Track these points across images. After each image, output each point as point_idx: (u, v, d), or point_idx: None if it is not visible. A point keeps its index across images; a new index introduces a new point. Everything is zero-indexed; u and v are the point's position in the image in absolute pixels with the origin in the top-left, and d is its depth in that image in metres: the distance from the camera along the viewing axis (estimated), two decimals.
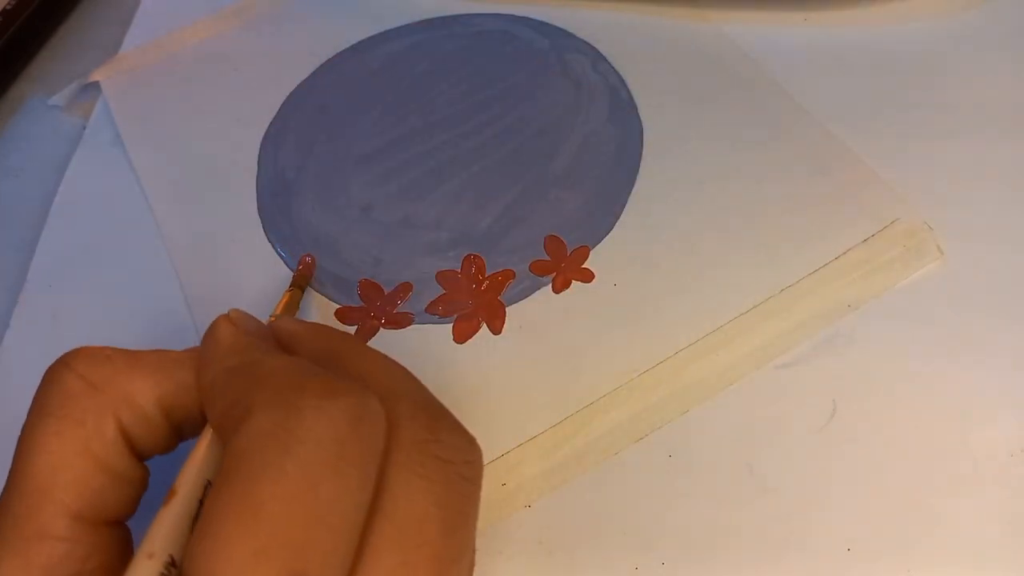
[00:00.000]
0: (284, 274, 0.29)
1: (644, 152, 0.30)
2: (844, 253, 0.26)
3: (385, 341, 0.27)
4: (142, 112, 0.36)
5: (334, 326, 0.27)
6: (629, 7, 0.35)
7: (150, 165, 0.34)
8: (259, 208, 0.31)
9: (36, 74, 0.40)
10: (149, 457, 0.19)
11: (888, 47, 0.31)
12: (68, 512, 0.17)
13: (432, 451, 0.17)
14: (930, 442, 0.23)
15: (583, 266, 0.27)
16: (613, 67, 0.33)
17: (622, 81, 0.32)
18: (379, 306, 0.28)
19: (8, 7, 0.39)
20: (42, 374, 0.28)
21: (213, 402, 0.18)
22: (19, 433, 0.18)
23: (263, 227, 0.31)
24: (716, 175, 0.29)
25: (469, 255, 0.28)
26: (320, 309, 0.28)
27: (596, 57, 0.33)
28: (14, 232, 0.33)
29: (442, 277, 0.28)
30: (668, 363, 0.25)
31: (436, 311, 0.27)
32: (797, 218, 0.27)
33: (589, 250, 0.28)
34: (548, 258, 0.28)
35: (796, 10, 0.33)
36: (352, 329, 0.27)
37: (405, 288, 0.28)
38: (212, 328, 0.20)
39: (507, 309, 0.27)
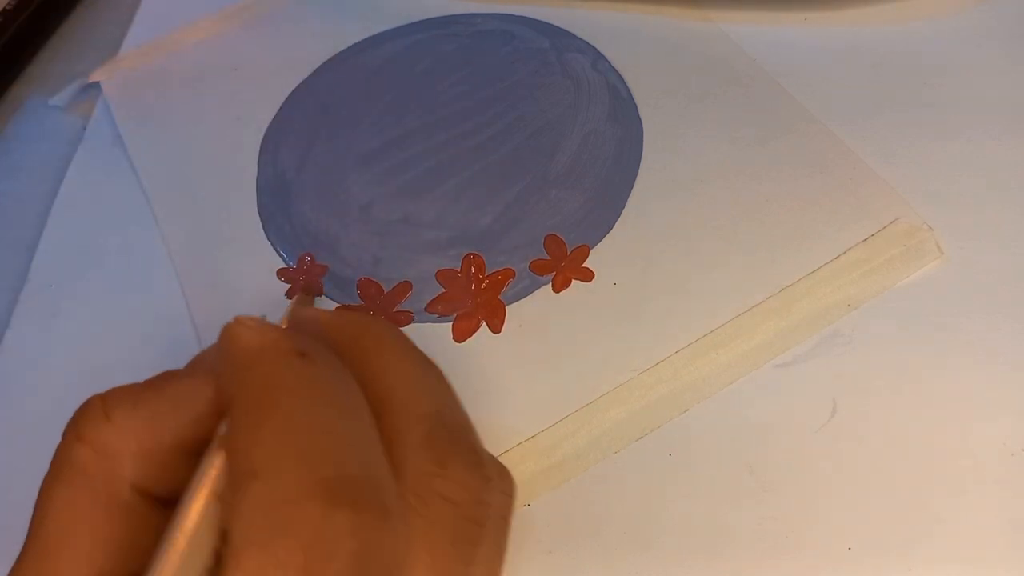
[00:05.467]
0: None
1: (644, 151, 0.30)
2: (844, 252, 0.26)
3: None
4: (142, 112, 0.36)
5: None
6: (629, 7, 0.35)
7: (150, 165, 0.34)
8: (259, 207, 0.31)
9: (36, 74, 0.40)
10: (175, 496, 0.17)
11: (888, 47, 0.31)
12: (90, 569, 0.16)
13: (436, 488, 0.16)
14: (930, 441, 0.22)
15: (583, 265, 0.27)
16: (613, 66, 0.33)
17: (622, 80, 0.32)
18: (378, 305, 0.28)
19: (8, 7, 0.39)
20: (41, 373, 0.28)
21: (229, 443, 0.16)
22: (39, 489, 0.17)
23: (263, 226, 0.31)
24: (716, 174, 0.29)
25: (469, 254, 0.28)
26: (320, 308, 0.28)
27: (596, 56, 0.33)
28: (14, 232, 0.33)
29: (442, 276, 0.28)
30: (668, 362, 0.25)
31: (436, 310, 0.27)
32: (797, 217, 0.27)
33: (589, 249, 0.28)
34: (548, 257, 0.28)
35: (796, 10, 0.33)
36: None
37: (404, 287, 0.28)
38: (231, 336, 0.18)
39: (507, 308, 0.27)
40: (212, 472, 0.16)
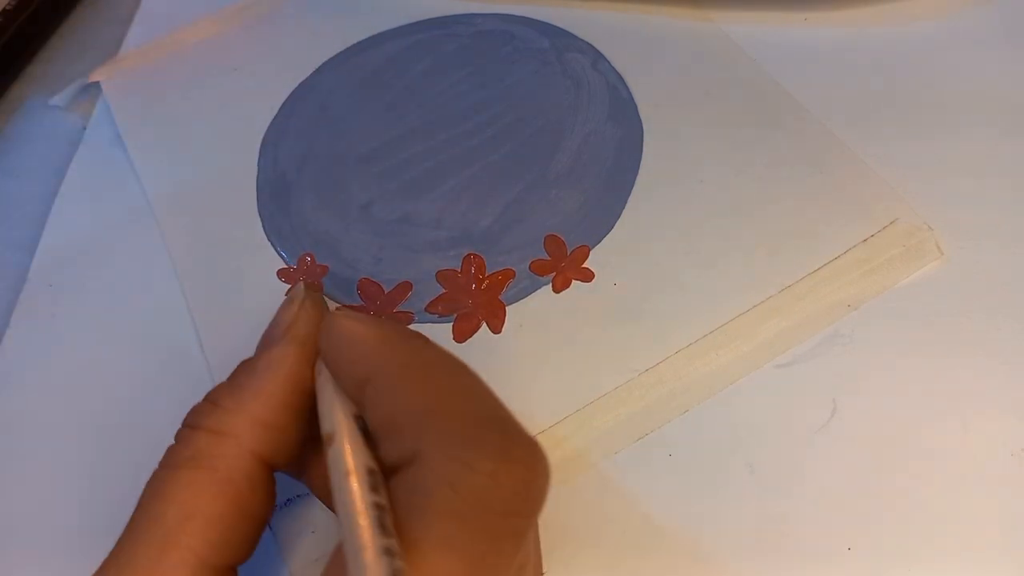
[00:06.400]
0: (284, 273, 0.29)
1: (644, 151, 0.30)
2: (844, 253, 0.26)
3: None
4: (142, 112, 0.36)
5: None
6: (629, 7, 0.35)
7: (150, 165, 0.34)
8: (259, 207, 0.31)
9: (36, 74, 0.40)
10: (284, 468, 0.20)
11: (888, 47, 0.31)
12: (194, 558, 0.17)
13: (466, 487, 0.16)
14: (930, 442, 0.22)
15: (583, 265, 0.27)
16: (613, 66, 0.33)
17: (622, 80, 0.32)
18: (379, 305, 0.28)
19: (8, 7, 0.39)
20: (40, 374, 0.28)
21: (377, 402, 0.18)
22: (146, 484, 0.19)
23: (263, 226, 0.31)
24: (716, 174, 0.29)
25: (469, 254, 0.28)
26: None
27: (596, 56, 0.33)
28: (14, 232, 0.33)
29: (442, 276, 0.28)
30: (668, 362, 0.25)
31: (436, 310, 0.27)
32: (797, 218, 0.27)
33: (589, 249, 0.28)
34: (548, 257, 0.28)
35: (796, 10, 0.33)
36: None
37: (405, 287, 0.28)
38: (337, 327, 0.19)
39: (507, 308, 0.27)
40: (345, 421, 0.18)
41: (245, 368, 0.20)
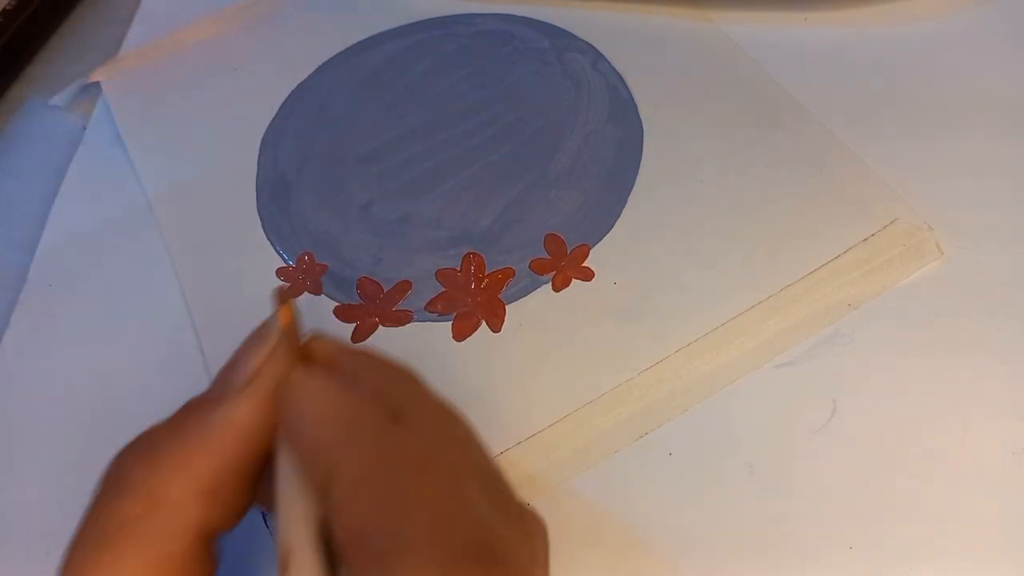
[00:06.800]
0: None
1: (643, 151, 0.30)
2: (844, 253, 0.26)
3: (384, 339, 0.27)
4: (142, 112, 0.36)
5: (333, 324, 0.27)
6: (629, 7, 0.35)
7: (150, 165, 0.34)
8: (259, 207, 0.31)
9: (36, 74, 0.40)
10: (229, 531, 0.17)
11: (888, 47, 0.31)
12: None
13: None
14: (930, 441, 0.22)
15: (583, 265, 0.27)
16: (613, 66, 0.33)
17: (622, 80, 0.32)
18: (378, 304, 0.28)
19: (8, 7, 0.39)
20: (40, 374, 0.28)
21: (340, 512, 0.16)
22: (68, 548, 0.16)
23: (263, 226, 0.31)
24: (716, 174, 0.29)
25: (469, 253, 0.28)
26: (319, 307, 0.28)
27: (596, 56, 0.33)
28: (14, 232, 0.33)
29: (442, 275, 0.28)
30: (668, 362, 0.25)
31: (436, 309, 0.27)
32: (797, 218, 0.27)
33: (589, 249, 0.28)
34: (548, 256, 0.28)
35: (796, 10, 0.33)
36: (351, 327, 0.27)
37: (404, 286, 0.28)
38: (296, 400, 0.17)
39: (507, 307, 0.27)
40: (304, 544, 0.16)
41: (196, 417, 0.17)
